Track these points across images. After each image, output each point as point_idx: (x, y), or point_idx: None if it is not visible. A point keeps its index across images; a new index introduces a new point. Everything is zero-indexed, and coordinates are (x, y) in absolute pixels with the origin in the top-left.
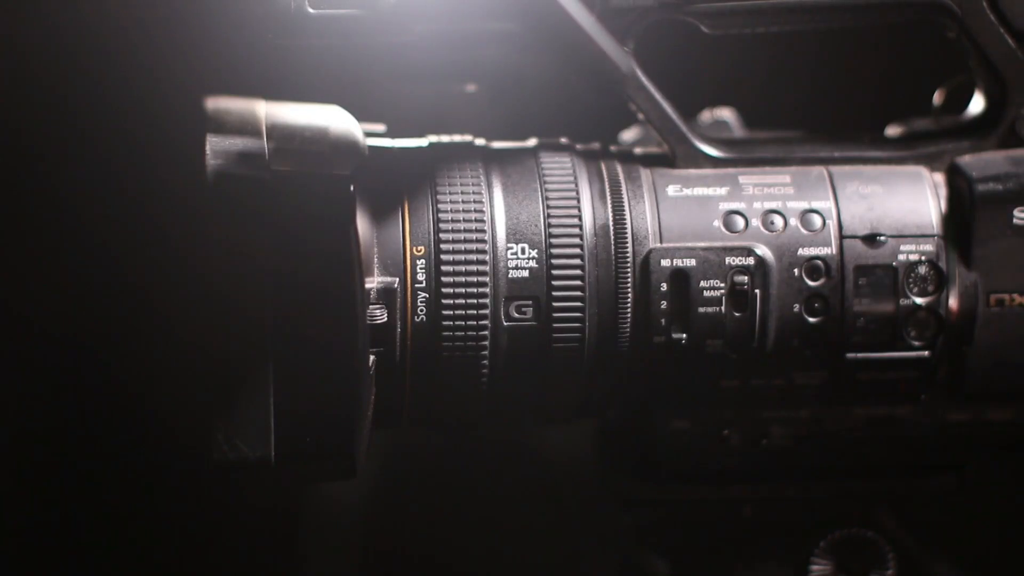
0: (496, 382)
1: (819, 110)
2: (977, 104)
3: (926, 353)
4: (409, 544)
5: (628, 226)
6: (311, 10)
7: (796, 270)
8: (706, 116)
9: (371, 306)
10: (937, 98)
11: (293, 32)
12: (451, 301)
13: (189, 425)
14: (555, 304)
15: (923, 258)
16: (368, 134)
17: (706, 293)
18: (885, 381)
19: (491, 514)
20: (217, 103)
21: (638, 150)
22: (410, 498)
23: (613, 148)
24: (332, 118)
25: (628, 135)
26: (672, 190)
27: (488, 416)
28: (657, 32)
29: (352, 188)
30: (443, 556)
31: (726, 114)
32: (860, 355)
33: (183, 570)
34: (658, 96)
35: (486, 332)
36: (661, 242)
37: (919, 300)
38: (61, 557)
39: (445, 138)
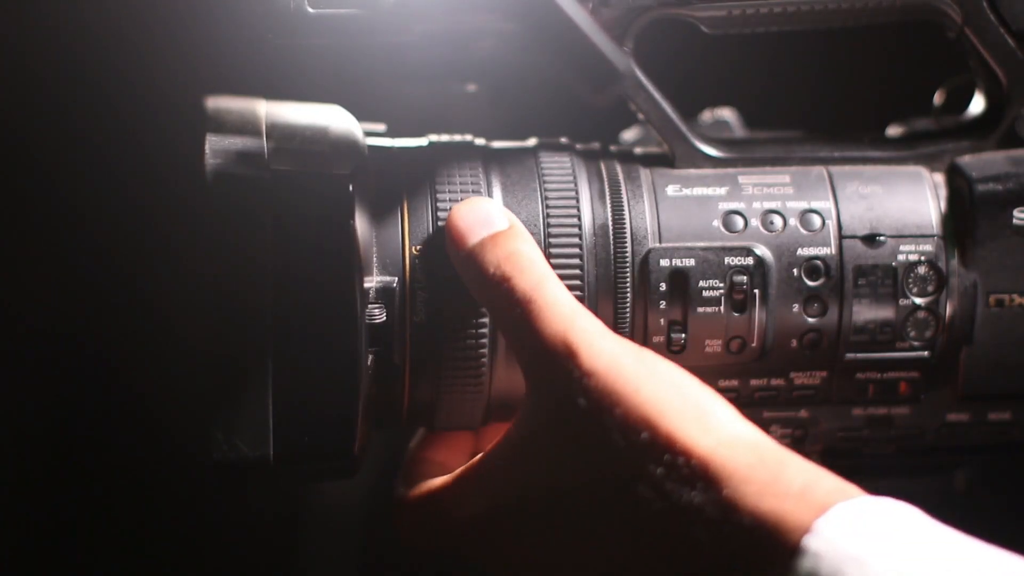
0: (495, 382)
1: (820, 110)
2: (977, 104)
3: (925, 353)
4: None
5: (627, 226)
6: (310, 9)
7: (795, 270)
8: (707, 116)
9: (370, 305)
10: (937, 98)
11: (292, 31)
12: (450, 301)
13: (188, 424)
14: None
15: (923, 258)
16: (368, 133)
17: (705, 293)
18: (884, 381)
19: None
20: (217, 102)
21: (638, 150)
22: None
23: (613, 148)
24: (332, 118)
25: (629, 135)
26: (671, 190)
27: (487, 416)
28: (657, 32)
29: (351, 188)
30: (443, 556)
31: (727, 114)
32: (859, 355)
33: (183, 570)
34: (657, 96)
35: (485, 332)
36: (660, 242)
37: (918, 300)
38: (59, 556)
39: (445, 138)
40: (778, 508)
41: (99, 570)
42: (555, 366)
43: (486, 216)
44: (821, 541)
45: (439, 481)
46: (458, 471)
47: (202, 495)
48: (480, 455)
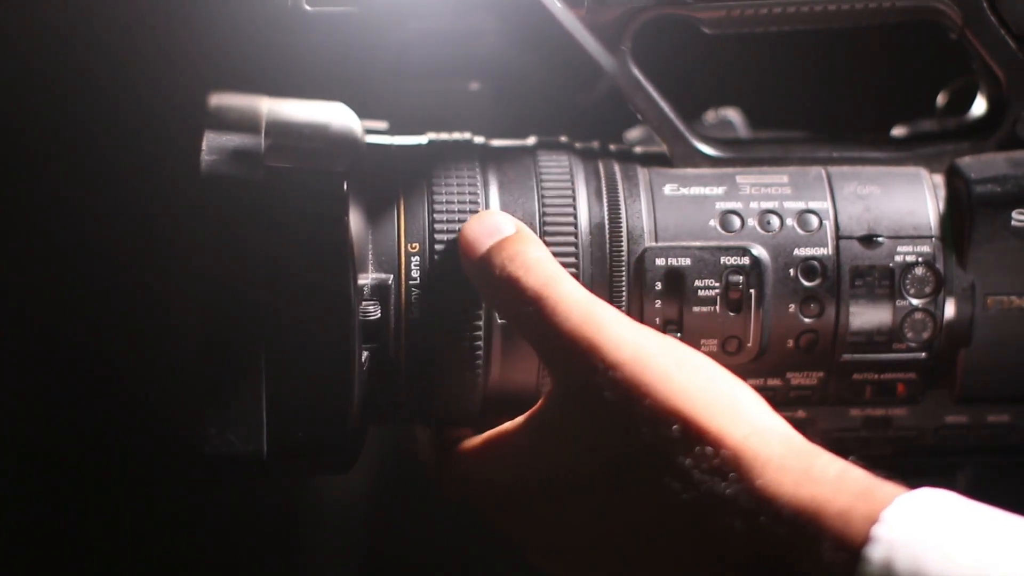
0: (491, 377)
1: (824, 111)
2: (979, 105)
3: (923, 355)
4: (409, 544)
5: (623, 224)
6: (308, 7)
7: (792, 270)
8: (711, 116)
9: (365, 302)
10: (941, 99)
11: (291, 29)
12: (445, 298)
13: (181, 418)
14: None
15: (920, 259)
16: (369, 131)
17: (701, 293)
18: (881, 382)
19: None
20: (221, 99)
21: (638, 149)
22: (410, 498)
23: (613, 147)
24: (333, 115)
25: (633, 134)
26: (669, 189)
27: (483, 413)
28: (658, 32)
29: (346, 185)
30: (443, 555)
31: (732, 114)
32: (856, 356)
33: (184, 569)
34: (655, 95)
35: (480, 330)
36: (656, 241)
37: (915, 302)
38: (52, 552)
39: (444, 136)
40: (817, 496)
41: (98, 567)
42: (577, 360)
43: (493, 226)
44: (892, 531)
45: (471, 442)
46: (488, 435)
47: (202, 494)
48: (507, 425)
